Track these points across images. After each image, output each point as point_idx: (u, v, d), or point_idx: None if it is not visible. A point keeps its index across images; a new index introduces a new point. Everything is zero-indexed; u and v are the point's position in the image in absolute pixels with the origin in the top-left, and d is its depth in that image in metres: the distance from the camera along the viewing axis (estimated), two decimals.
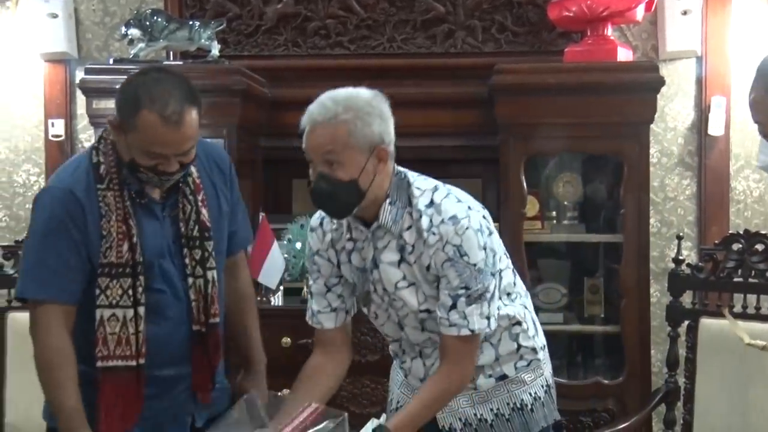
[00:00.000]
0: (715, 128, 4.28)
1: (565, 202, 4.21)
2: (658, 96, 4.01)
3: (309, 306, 2.70)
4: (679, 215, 4.36)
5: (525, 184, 4.01)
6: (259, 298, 4.02)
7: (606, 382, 3.98)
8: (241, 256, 2.94)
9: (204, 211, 2.67)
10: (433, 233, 2.41)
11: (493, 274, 2.46)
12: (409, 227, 2.47)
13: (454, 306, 2.43)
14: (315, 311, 2.67)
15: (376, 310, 2.61)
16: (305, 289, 4.02)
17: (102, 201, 2.53)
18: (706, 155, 4.31)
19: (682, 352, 3.75)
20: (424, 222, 2.43)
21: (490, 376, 2.59)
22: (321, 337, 2.69)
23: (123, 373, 2.54)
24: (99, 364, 2.54)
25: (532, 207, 4.09)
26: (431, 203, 2.46)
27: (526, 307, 2.66)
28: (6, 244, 3.78)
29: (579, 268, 4.27)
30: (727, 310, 3.53)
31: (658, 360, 4.03)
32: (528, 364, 2.64)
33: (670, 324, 3.78)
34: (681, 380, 3.73)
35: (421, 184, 2.51)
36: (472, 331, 2.44)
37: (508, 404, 2.60)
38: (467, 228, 2.41)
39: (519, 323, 2.61)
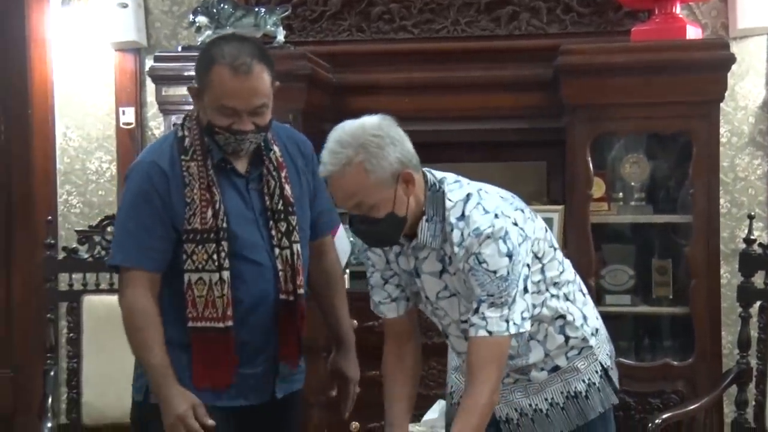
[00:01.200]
0: None
1: (632, 183, 4.17)
2: (729, 74, 3.95)
3: (371, 296, 2.70)
4: (749, 195, 4.31)
5: (591, 166, 3.98)
6: None
7: (675, 363, 3.94)
8: (328, 238, 2.99)
9: (287, 187, 2.74)
10: (461, 247, 2.40)
11: (519, 279, 2.42)
12: (445, 240, 2.45)
13: (477, 310, 2.40)
14: (376, 302, 2.67)
15: (424, 306, 2.62)
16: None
17: (186, 171, 2.63)
18: None
19: (753, 333, 3.73)
20: (456, 236, 2.42)
21: (542, 369, 2.58)
22: (390, 329, 2.69)
23: (212, 335, 2.63)
24: (189, 324, 2.64)
25: (598, 188, 4.07)
26: (462, 216, 2.43)
27: (568, 298, 2.60)
28: (80, 229, 3.85)
29: (646, 250, 4.23)
30: None
31: (729, 341, 3.99)
32: (579, 353, 2.61)
33: (741, 304, 3.76)
34: (753, 361, 3.70)
35: (454, 194, 2.46)
36: (490, 332, 2.39)
37: (562, 393, 2.59)
38: (488, 237, 2.37)
39: (562, 316, 2.57)
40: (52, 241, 3.91)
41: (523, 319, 2.42)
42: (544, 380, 2.59)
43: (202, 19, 4.08)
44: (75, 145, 4.68)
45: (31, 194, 4.69)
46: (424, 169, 2.50)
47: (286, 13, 4.26)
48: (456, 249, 2.41)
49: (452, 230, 2.42)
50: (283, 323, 2.72)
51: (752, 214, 3.94)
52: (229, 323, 2.63)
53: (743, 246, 3.80)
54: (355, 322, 3.88)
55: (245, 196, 2.72)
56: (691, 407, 3.62)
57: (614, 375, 2.68)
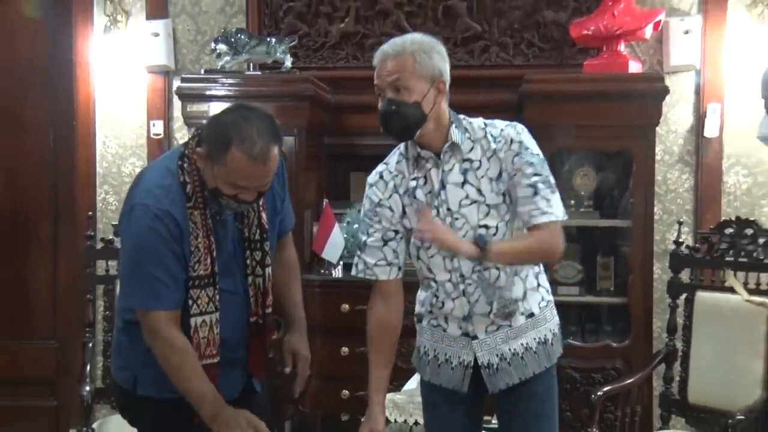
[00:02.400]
0: (710, 131, 4.22)
1: (582, 193, 4.18)
2: (663, 103, 3.97)
3: (360, 260, 2.60)
4: (678, 204, 4.31)
5: None
6: (322, 271, 4.08)
7: (614, 345, 3.96)
8: (288, 237, 2.85)
9: (264, 214, 2.59)
10: (499, 140, 2.48)
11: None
12: (472, 148, 2.49)
13: (536, 193, 2.44)
14: (370, 264, 2.59)
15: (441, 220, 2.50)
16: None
17: (190, 219, 2.43)
18: (703, 154, 4.26)
19: (679, 320, 3.76)
20: (489, 135, 2.49)
21: (522, 314, 2.56)
22: (381, 289, 2.62)
23: (208, 368, 2.47)
24: None
25: None
26: (485, 124, 2.53)
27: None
28: (115, 223, 3.85)
29: (592, 249, 4.23)
30: (731, 273, 3.53)
31: (659, 327, 4.00)
32: (546, 305, 2.63)
33: (670, 296, 3.79)
34: (678, 344, 3.74)
35: (471, 118, 2.56)
36: (557, 217, 2.46)
37: (535, 339, 2.58)
38: (523, 129, 2.52)
39: (537, 265, 2.62)
40: (92, 233, 3.92)
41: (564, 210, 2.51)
42: (522, 326, 2.56)
43: (221, 47, 4.09)
44: (112, 152, 4.67)
45: (75, 193, 4.68)
46: None
47: (293, 43, 4.25)
48: (493, 144, 2.47)
49: (485, 134, 2.50)
50: (253, 341, 2.60)
51: (681, 220, 3.99)
52: (217, 359, 2.50)
53: (673, 247, 3.83)
54: (347, 306, 3.92)
55: (227, 228, 2.55)
56: (627, 382, 3.64)
57: (560, 335, 2.70)
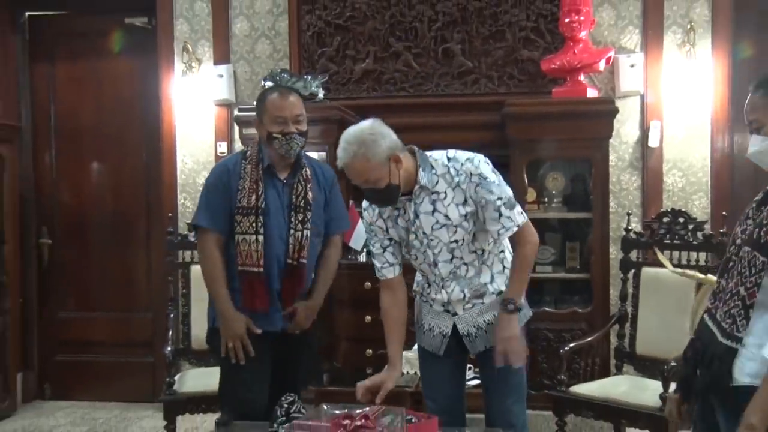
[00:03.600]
0: (653, 142, 4.19)
1: (554, 192, 4.18)
2: (615, 120, 3.96)
3: (375, 266, 2.63)
4: (629, 200, 4.27)
5: (526, 181, 4.00)
6: (350, 257, 4.09)
7: (580, 310, 3.95)
8: (336, 237, 2.98)
9: (310, 193, 2.80)
10: (460, 173, 2.41)
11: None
12: (438, 182, 2.43)
13: (501, 215, 2.41)
14: (379, 268, 2.61)
15: (417, 253, 2.53)
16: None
17: (243, 170, 2.76)
18: (647, 160, 4.22)
19: (630, 290, 3.74)
20: (452, 170, 2.42)
21: (492, 293, 2.54)
22: (387, 284, 2.63)
23: (251, 275, 2.73)
24: (238, 268, 2.74)
25: (531, 195, 4.07)
26: (449, 159, 2.45)
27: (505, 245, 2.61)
28: (189, 222, 3.89)
29: (563, 236, 4.22)
30: (659, 251, 3.52)
31: (614, 296, 3.98)
32: None
33: (622, 271, 3.77)
34: (629, 309, 3.72)
35: (436, 154, 2.48)
36: (519, 226, 2.44)
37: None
38: (479, 162, 2.42)
39: (503, 251, 2.57)
40: (171, 230, 3.95)
41: (522, 213, 2.47)
42: (493, 302, 2.53)
43: (269, 84, 4.09)
44: (189, 167, 4.70)
45: (161, 199, 4.72)
46: (411, 146, 2.49)
47: (325, 79, 4.26)
48: (456, 179, 2.40)
49: (447, 170, 2.42)
50: (286, 280, 2.78)
51: (630, 212, 3.97)
52: (261, 269, 2.72)
53: (624, 233, 3.81)
54: (369, 284, 3.91)
55: (280, 193, 2.79)
56: (589, 339, 3.64)
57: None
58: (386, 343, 2.61)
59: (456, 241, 2.46)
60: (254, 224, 2.71)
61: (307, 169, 2.84)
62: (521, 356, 2.47)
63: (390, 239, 2.58)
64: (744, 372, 1.86)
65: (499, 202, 2.41)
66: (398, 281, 2.64)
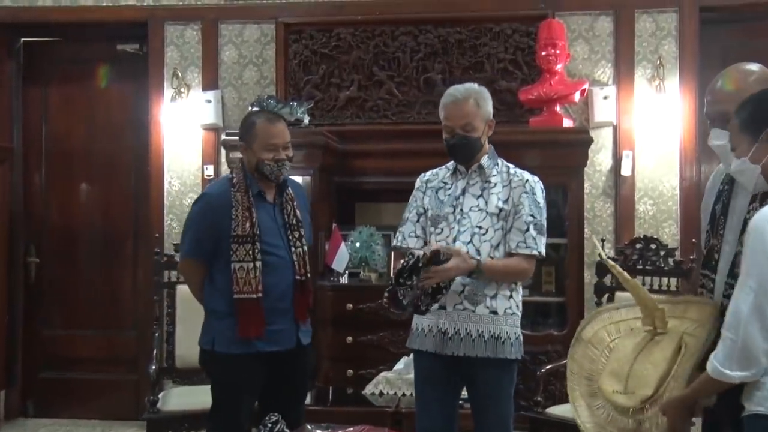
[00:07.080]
0: (625, 171, 4.18)
1: None
2: (589, 150, 3.95)
3: (399, 233, 2.60)
4: (602, 226, 4.25)
5: None
6: (332, 278, 4.01)
7: (555, 333, 3.91)
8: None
9: (297, 212, 2.81)
10: (517, 177, 2.50)
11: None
12: (496, 174, 2.51)
13: (528, 230, 2.44)
14: (406, 234, 2.59)
15: (443, 226, 2.52)
16: (362, 273, 4.01)
17: (234, 198, 2.69)
18: (620, 188, 4.21)
19: None
20: (511, 172, 2.54)
21: (487, 308, 2.48)
22: (402, 255, 2.51)
23: (248, 302, 2.65)
24: (234, 296, 2.65)
25: None
26: (511, 166, 2.58)
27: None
28: (176, 243, 3.82)
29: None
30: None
31: None
32: (512, 315, 2.52)
33: (596, 295, 3.74)
34: None
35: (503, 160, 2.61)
36: (540, 252, 2.44)
37: (490, 331, 2.47)
38: (537, 181, 2.53)
39: (517, 282, 2.56)
40: (158, 250, 3.87)
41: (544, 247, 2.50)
42: (482, 316, 2.47)
43: (256, 109, 4.04)
44: (176, 189, 4.61)
45: (149, 219, 4.62)
46: None
47: (310, 105, 4.22)
48: (513, 178, 2.51)
49: (509, 169, 2.55)
50: (296, 294, 2.73)
51: (603, 238, 3.96)
52: (259, 295, 2.65)
53: (598, 259, 3.76)
54: (351, 305, 3.84)
55: (272, 214, 2.76)
56: (565, 361, 3.49)
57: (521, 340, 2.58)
58: None
59: (480, 227, 2.48)
60: (251, 252, 2.65)
61: (289, 189, 2.84)
62: (432, 281, 2.36)
63: (421, 214, 2.60)
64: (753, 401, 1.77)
65: (531, 219, 2.46)
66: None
